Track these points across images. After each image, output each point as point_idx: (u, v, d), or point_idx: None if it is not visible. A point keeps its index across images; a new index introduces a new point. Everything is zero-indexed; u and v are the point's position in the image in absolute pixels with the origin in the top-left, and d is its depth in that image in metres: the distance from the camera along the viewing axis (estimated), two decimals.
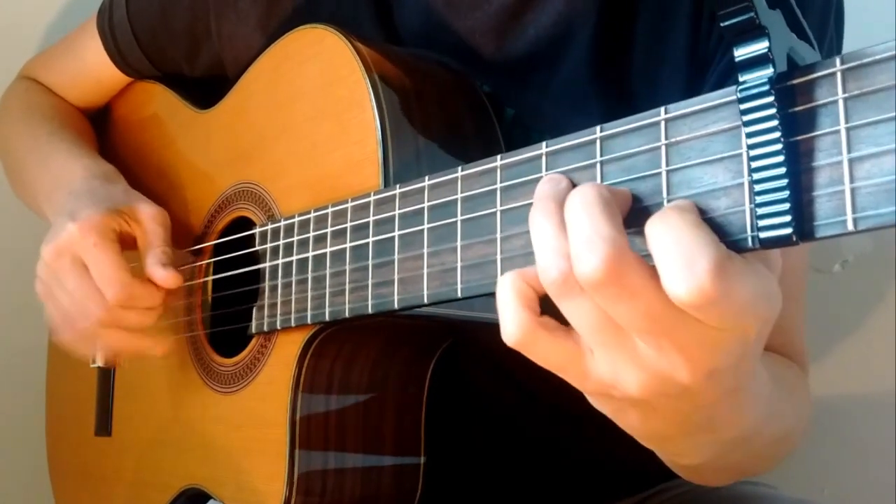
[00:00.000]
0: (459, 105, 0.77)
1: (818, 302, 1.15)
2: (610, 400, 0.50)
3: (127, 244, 0.86)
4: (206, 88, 0.97)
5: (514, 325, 0.48)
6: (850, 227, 0.39)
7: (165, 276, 0.82)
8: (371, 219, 0.65)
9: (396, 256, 0.62)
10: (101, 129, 1.12)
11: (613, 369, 0.47)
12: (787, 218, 0.40)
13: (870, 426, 1.14)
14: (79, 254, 0.81)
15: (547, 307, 0.48)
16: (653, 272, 0.42)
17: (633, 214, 0.46)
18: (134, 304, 0.81)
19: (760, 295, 0.43)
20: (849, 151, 0.39)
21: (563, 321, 0.48)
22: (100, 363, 1.00)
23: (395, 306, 0.62)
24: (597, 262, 0.42)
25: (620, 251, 0.42)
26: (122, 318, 0.82)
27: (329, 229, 0.70)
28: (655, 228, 0.42)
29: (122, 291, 0.80)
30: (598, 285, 0.43)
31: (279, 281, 0.75)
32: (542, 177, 0.52)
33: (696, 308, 0.41)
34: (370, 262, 0.65)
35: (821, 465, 1.18)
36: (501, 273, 0.54)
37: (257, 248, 0.80)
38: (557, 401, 0.86)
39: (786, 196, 0.40)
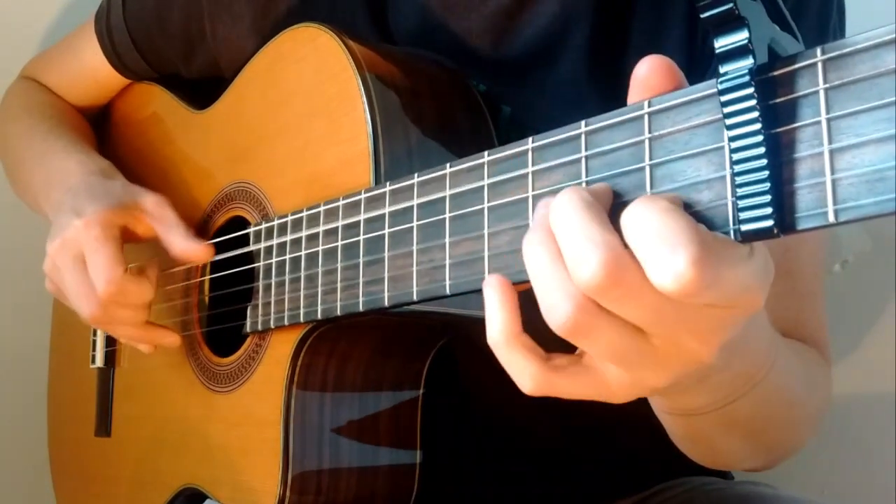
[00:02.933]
0: (453, 103, 0.77)
1: None
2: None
3: (132, 238, 0.86)
4: (202, 89, 0.97)
5: (526, 378, 0.49)
6: (832, 218, 0.38)
7: (198, 248, 0.83)
8: (362, 217, 0.65)
9: (386, 254, 0.62)
10: (99, 130, 1.12)
11: (637, 378, 0.48)
12: (768, 210, 0.40)
13: (870, 426, 1.13)
14: (81, 248, 0.82)
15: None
16: None
17: (615, 210, 0.45)
18: (124, 300, 0.81)
19: (758, 269, 0.43)
20: (830, 142, 0.39)
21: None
22: (99, 364, 1.00)
23: (386, 304, 0.62)
24: (594, 268, 0.42)
25: (615, 252, 0.42)
26: (114, 315, 0.82)
27: (321, 228, 0.70)
28: (630, 219, 0.42)
29: (112, 286, 0.80)
30: (600, 290, 0.42)
31: (273, 280, 0.75)
32: (528, 172, 0.52)
33: (688, 296, 0.41)
34: (361, 260, 0.65)
35: (821, 465, 1.17)
36: (489, 270, 0.54)
37: (252, 247, 0.80)
38: (555, 399, 0.86)
39: (766, 188, 0.40)
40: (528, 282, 0.52)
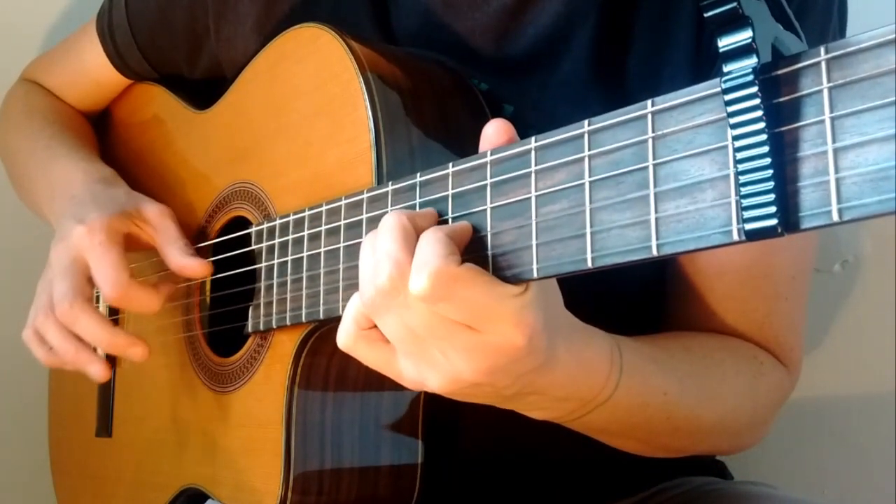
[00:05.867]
0: (455, 103, 0.77)
1: (818, 302, 1.15)
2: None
3: (134, 245, 0.86)
4: (204, 89, 0.97)
5: (343, 333, 0.61)
6: (836, 217, 0.39)
7: (196, 265, 0.84)
8: (364, 216, 0.65)
9: None
10: (100, 130, 1.12)
11: (418, 371, 0.59)
12: (772, 209, 0.40)
13: (870, 426, 1.14)
14: (83, 253, 0.82)
15: None
16: None
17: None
18: (129, 305, 0.82)
19: (491, 302, 0.53)
20: (833, 141, 0.39)
21: None
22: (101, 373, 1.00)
23: None
24: (383, 279, 0.54)
25: (401, 269, 0.53)
26: (74, 322, 0.82)
27: (323, 227, 0.70)
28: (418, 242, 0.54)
29: (118, 291, 0.80)
30: (386, 294, 0.54)
31: (274, 280, 0.75)
32: (531, 172, 0.52)
33: (431, 301, 0.52)
34: None
35: (821, 465, 1.17)
36: (492, 269, 0.54)
37: (253, 247, 0.80)
38: None
39: (770, 187, 0.40)
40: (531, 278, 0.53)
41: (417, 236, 0.54)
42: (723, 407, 0.77)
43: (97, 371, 0.86)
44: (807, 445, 1.17)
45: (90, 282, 0.84)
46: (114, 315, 1.01)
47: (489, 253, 0.54)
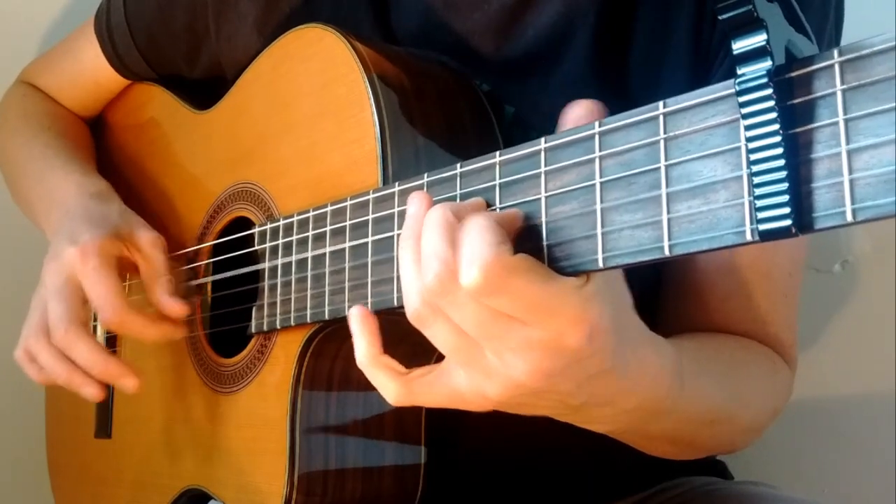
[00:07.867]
0: (458, 104, 0.77)
1: (818, 302, 1.15)
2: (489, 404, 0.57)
3: (125, 269, 0.87)
4: (204, 89, 0.97)
5: (389, 391, 0.59)
6: (850, 218, 0.39)
7: (174, 307, 0.84)
8: (370, 217, 0.65)
9: (395, 254, 0.62)
10: (99, 131, 1.12)
11: (475, 383, 0.55)
12: (787, 210, 0.40)
13: (870, 426, 1.14)
14: (77, 276, 0.82)
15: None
16: None
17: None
18: (127, 331, 0.82)
19: (548, 295, 0.49)
20: (847, 143, 0.39)
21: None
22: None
23: (395, 304, 0.62)
24: (430, 276, 0.50)
25: (449, 267, 0.50)
26: (70, 347, 0.82)
27: (328, 228, 0.70)
28: (461, 230, 0.50)
29: (116, 317, 0.80)
30: (434, 295, 0.51)
31: (278, 280, 0.75)
32: (540, 172, 0.53)
33: (483, 294, 0.49)
34: (369, 260, 0.65)
35: (821, 465, 1.18)
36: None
37: (256, 247, 0.80)
38: None
39: (785, 188, 0.40)
40: None
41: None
42: (754, 407, 0.77)
43: (90, 393, 0.86)
44: (807, 445, 1.18)
45: (85, 304, 0.84)
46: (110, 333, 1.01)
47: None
